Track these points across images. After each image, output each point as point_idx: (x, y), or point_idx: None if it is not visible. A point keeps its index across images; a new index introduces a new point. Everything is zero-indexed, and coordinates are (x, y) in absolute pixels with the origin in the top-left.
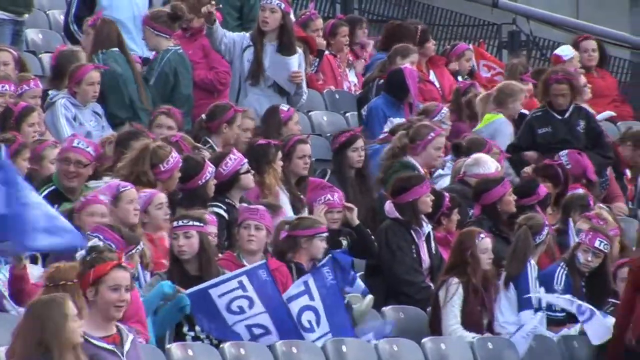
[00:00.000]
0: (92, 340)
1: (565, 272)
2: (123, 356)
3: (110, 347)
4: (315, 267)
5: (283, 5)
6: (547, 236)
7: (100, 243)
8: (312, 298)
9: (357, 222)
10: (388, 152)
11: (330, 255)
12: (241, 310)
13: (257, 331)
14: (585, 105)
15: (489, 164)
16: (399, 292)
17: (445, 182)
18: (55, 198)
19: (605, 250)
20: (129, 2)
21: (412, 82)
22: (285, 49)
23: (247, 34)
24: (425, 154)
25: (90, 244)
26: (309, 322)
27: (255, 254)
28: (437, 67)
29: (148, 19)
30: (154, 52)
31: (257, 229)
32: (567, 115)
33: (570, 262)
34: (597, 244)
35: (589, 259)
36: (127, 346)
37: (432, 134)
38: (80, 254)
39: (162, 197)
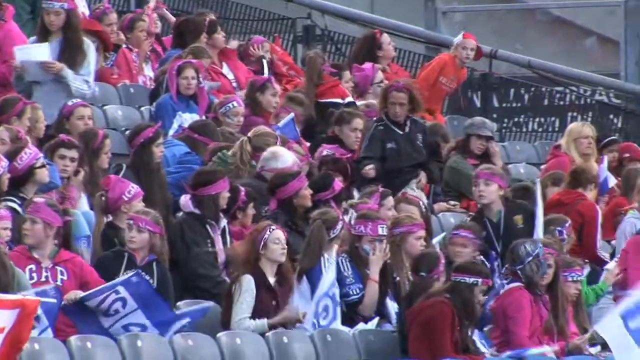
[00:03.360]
0: None
1: (347, 260)
2: None
3: None
4: (125, 279)
5: (66, 5)
6: (341, 230)
7: None
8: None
9: None
10: (237, 158)
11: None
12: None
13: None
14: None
15: (285, 158)
16: (195, 286)
17: None
18: None
19: (385, 234)
20: None
21: (170, 79)
22: (70, 43)
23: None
24: None
25: None
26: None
27: (39, 247)
28: (230, 60)
29: None
30: None
31: (33, 222)
32: (407, 129)
33: (352, 253)
34: (380, 231)
35: (382, 246)
36: None
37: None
38: None
39: None
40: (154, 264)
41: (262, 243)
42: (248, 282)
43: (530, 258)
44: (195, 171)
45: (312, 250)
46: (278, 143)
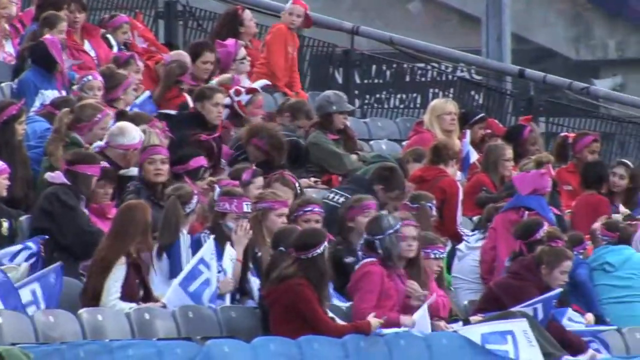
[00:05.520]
0: None
1: (208, 236)
2: None
3: None
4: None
5: None
6: (196, 205)
7: None
8: None
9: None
10: (55, 129)
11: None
12: None
13: None
14: (244, 77)
15: (133, 134)
16: (79, 248)
17: None
18: None
19: (250, 211)
20: None
21: (56, 52)
22: None
23: None
24: (92, 134)
25: None
26: None
27: None
28: (93, 37)
29: None
30: None
31: None
32: None
33: (215, 230)
34: (245, 208)
35: (244, 224)
36: None
37: (99, 116)
38: None
39: None
40: None
41: (132, 224)
42: (123, 261)
43: (391, 231)
44: (78, 150)
45: (169, 226)
46: (100, 116)
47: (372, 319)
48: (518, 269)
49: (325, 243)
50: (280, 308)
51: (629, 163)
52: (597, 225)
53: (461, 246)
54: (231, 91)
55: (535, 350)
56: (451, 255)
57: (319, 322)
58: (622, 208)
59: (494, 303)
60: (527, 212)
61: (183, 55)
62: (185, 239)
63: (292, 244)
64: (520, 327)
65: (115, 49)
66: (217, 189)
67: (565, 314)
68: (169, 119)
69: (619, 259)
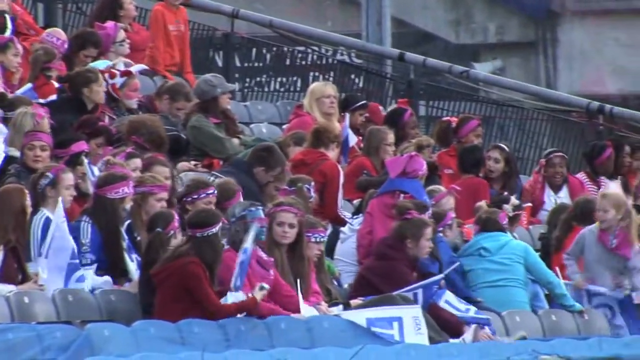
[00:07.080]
0: None
1: (89, 223)
2: None
3: None
4: None
5: None
6: (47, 187)
7: None
8: None
9: None
10: None
11: None
12: None
13: None
14: (123, 60)
15: None
16: None
17: None
18: None
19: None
20: None
21: None
22: None
23: None
24: None
25: None
26: None
27: None
28: None
29: None
30: None
31: None
32: None
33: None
34: (124, 191)
35: (128, 207)
36: None
37: None
38: None
39: None
40: None
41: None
42: (0, 246)
43: (234, 219)
44: None
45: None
46: None
47: (257, 293)
48: (384, 249)
49: (221, 224)
50: (170, 287)
51: (504, 146)
52: (481, 203)
53: (345, 229)
54: (106, 74)
55: (422, 338)
56: (333, 239)
57: (208, 302)
58: (513, 199)
59: (367, 288)
60: (402, 195)
61: (58, 32)
62: (39, 218)
63: (188, 222)
64: (410, 313)
65: (8, 32)
66: (93, 176)
67: (442, 295)
68: (48, 104)
69: (495, 244)
